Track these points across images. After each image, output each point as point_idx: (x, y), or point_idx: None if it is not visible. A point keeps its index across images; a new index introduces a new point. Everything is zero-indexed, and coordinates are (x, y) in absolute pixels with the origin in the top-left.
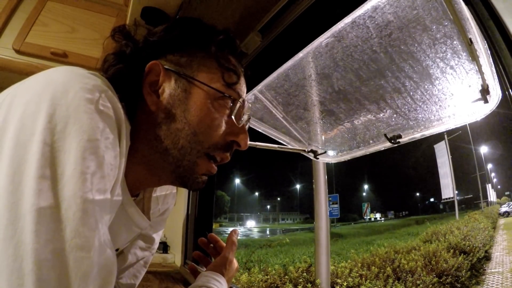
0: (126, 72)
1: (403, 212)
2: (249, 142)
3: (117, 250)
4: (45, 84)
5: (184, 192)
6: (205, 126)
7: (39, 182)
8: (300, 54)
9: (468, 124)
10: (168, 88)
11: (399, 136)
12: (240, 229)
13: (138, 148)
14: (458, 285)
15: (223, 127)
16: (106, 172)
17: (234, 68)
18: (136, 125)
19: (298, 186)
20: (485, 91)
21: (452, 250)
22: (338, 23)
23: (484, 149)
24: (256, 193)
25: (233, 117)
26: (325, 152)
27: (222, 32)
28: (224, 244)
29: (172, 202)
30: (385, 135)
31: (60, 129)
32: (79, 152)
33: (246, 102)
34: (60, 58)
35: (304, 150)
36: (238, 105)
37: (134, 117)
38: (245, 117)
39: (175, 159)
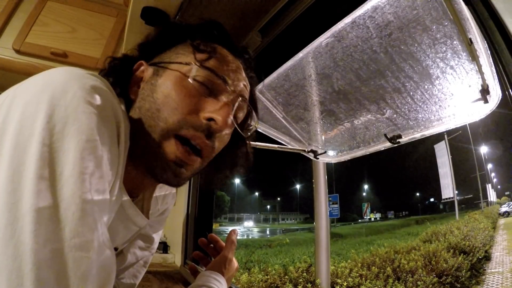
0: (122, 74)
1: (403, 212)
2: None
3: (116, 249)
4: (44, 85)
5: (184, 192)
6: (169, 101)
7: (38, 182)
8: (300, 54)
9: (468, 124)
10: (147, 79)
11: (399, 136)
12: (240, 229)
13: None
14: (458, 285)
15: (193, 102)
16: (105, 172)
17: (207, 48)
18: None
19: (298, 186)
20: (485, 91)
21: (452, 250)
22: (338, 23)
23: (484, 149)
24: (256, 193)
25: (192, 80)
26: (325, 152)
27: (201, 24)
28: (224, 244)
29: (172, 202)
30: (385, 135)
31: (58, 130)
32: (77, 152)
33: (229, 79)
34: (60, 58)
35: (304, 150)
36: (199, 72)
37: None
38: (227, 95)
39: (143, 141)
